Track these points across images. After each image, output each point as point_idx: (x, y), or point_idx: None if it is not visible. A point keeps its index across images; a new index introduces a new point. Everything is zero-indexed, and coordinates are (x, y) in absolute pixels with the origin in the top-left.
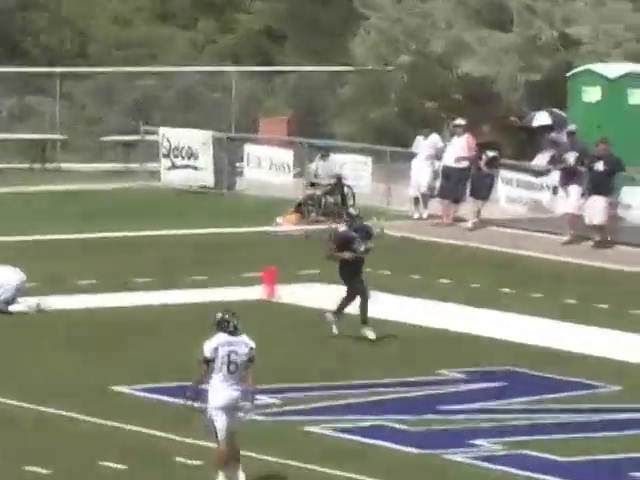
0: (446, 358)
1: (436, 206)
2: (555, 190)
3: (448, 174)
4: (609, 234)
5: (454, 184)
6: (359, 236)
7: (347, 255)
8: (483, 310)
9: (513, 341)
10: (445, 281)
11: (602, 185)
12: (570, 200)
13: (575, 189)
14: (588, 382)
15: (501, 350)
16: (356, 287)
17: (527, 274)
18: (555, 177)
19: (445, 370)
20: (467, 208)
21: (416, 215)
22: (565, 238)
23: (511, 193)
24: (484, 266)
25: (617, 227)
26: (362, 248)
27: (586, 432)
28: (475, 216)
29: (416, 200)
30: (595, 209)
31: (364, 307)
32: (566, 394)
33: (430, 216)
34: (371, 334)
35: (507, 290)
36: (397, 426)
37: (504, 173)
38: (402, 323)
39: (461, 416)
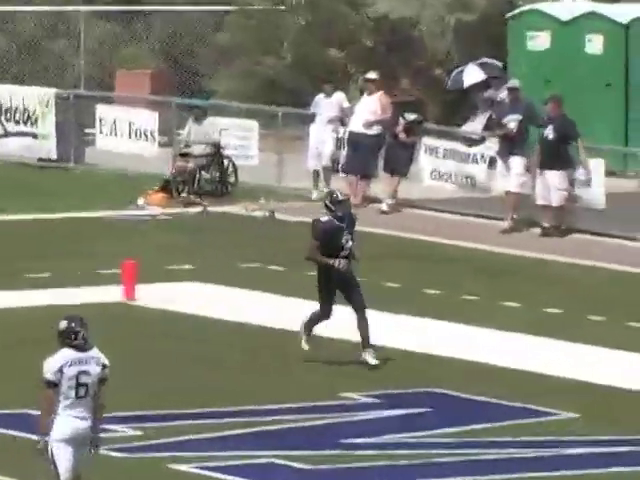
0: (354, 377)
1: (341, 183)
2: (492, 163)
3: (356, 142)
4: (563, 219)
5: (364, 155)
6: (347, 227)
7: (338, 263)
8: (401, 316)
9: (439, 355)
10: None
11: (554, 156)
12: (511, 175)
13: (517, 161)
14: (535, 408)
15: (424, 367)
16: (355, 303)
17: (456, 269)
18: (492, 146)
19: (352, 393)
20: (380, 186)
21: (315, 194)
22: (505, 224)
23: (437, 167)
24: (402, 259)
25: (571, 210)
26: (349, 243)
27: (534, 471)
28: (391, 196)
29: (316, 175)
30: (549, 187)
31: (365, 327)
32: (507, 423)
33: None
34: (372, 360)
35: (431, 291)
36: (290, 464)
37: (428, 141)
38: (298, 333)
39: (372, 451)
